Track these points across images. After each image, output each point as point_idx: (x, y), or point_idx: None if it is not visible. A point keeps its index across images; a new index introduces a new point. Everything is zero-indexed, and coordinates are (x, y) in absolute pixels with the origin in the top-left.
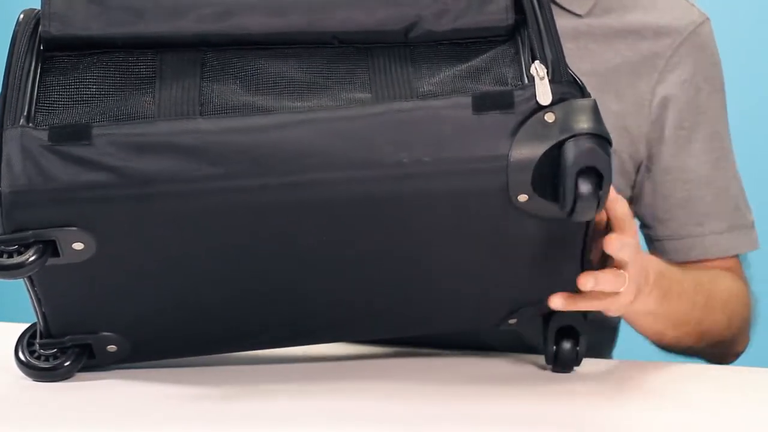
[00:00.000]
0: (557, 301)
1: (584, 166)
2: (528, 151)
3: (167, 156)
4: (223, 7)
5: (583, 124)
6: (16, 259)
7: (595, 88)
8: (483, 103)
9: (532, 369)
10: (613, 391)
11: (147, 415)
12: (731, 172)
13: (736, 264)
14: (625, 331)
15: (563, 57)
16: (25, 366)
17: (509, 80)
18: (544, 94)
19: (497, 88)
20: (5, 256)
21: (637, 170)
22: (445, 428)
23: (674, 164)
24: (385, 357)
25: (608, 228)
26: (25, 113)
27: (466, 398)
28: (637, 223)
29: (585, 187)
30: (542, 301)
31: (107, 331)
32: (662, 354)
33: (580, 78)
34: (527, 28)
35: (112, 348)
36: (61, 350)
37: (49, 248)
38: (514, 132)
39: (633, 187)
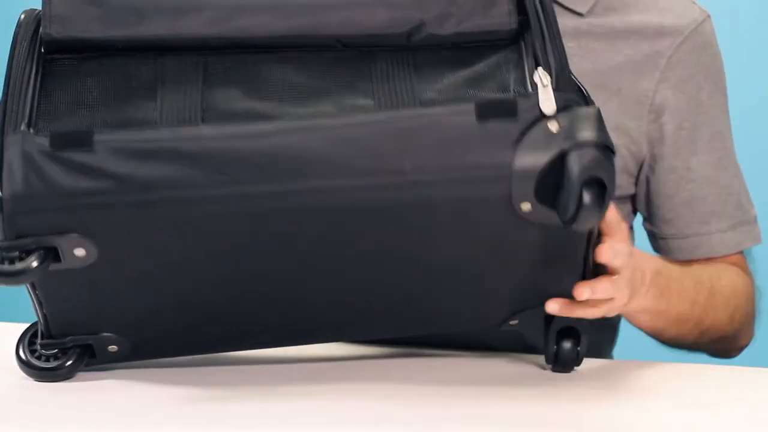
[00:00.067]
0: (553, 307)
1: (588, 177)
2: (531, 159)
3: (169, 163)
4: (224, 10)
5: (588, 133)
6: (18, 266)
7: (596, 86)
8: (486, 111)
9: (532, 369)
10: (613, 391)
11: (147, 415)
12: (734, 170)
13: (741, 259)
14: (625, 331)
15: (567, 63)
16: (26, 366)
17: (513, 87)
18: (547, 102)
19: (500, 96)
20: (6, 262)
21: (640, 168)
22: (444, 428)
23: (677, 164)
24: (384, 357)
25: (599, 233)
26: (26, 119)
27: (466, 398)
28: (637, 219)
29: (588, 197)
30: (544, 303)
31: (108, 332)
32: (663, 353)
33: (582, 77)
34: (530, 33)
35: (112, 348)
36: (62, 350)
37: (51, 254)
38: (518, 140)
39: (636, 185)
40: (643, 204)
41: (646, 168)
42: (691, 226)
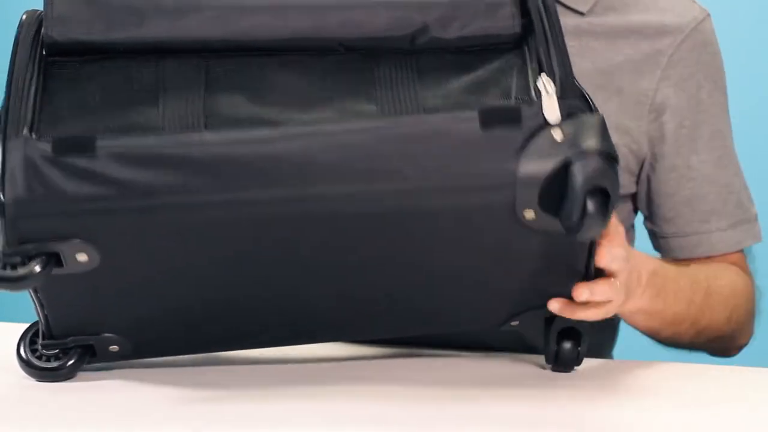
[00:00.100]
0: (555, 306)
1: (592, 186)
2: (535, 167)
3: (172, 169)
4: (225, 11)
5: (592, 142)
6: (20, 272)
7: (596, 86)
8: (490, 119)
9: (532, 369)
10: (613, 391)
11: (147, 415)
12: (734, 169)
13: (741, 258)
14: (625, 331)
15: (570, 68)
16: (27, 366)
17: (516, 93)
18: (551, 111)
19: (504, 103)
20: (8, 268)
21: (641, 167)
22: (444, 428)
23: (678, 162)
24: (384, 357)
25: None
26: (28, 123)
27: (465, 398)
28: (637, 218)
29: (592, 206)
30: (545, 306)
31: (109, 333)
32: (662, 353)
33: (582, 77)
34: (534, 37)
35: (114, 348)
36: (63, 351)
37: (53, 259)
38: (521, 148)
39: (637, 184)
40: (644, 203)
41: (646, 167)
42: (691, 225)
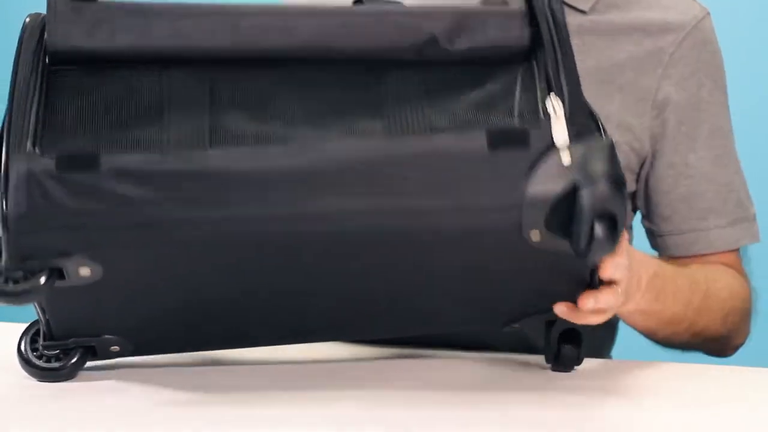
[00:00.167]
0: (562, 309)
1: (600, 211)
2: (542, 190)
3: (176, 185)
4: (230, 23)
5: (600, 168)
6: (22, 286)
7: (598, 83)
8: (498, 140)
9: (532, 369)
10: (613, 391)
11: (147, 416)
12: (733, 168)
13: (737, 260)
14: (624, 331)
15: (579, 84)
16: (28, 365)
17: (525, 112)
18: (560, 134)
19: (512, 125)
20: (11, 282)
21: (641, 165)
22: (444, 428)
23: (675, 160)
24: (384, 357)
25: None
26: (30, 137)
27: (465, 398)
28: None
29: (600, 230)
30: (547, 311)
31: (110, 335)
32: (662, 354)
33: (585, 74)
34: (543, 51)
35: (115, 348)
36: (64, 351)
37: (55, 273)
38: (529, 170)
39: (637, 181)
40: (643, 200)
41: (647, 165)
42: (688, 222)
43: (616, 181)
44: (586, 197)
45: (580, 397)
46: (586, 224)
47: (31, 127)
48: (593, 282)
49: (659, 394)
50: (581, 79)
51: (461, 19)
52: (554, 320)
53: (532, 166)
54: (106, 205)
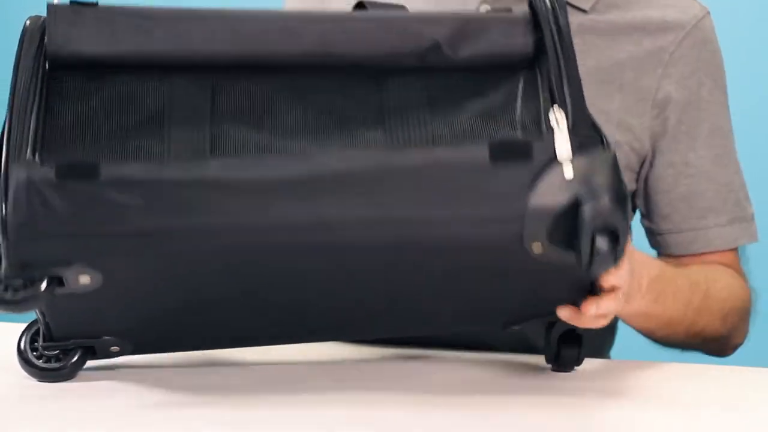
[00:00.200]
0: (565, 313)
1: (603, 226)
2: (544, 203)
3: (176, 195)
4: (231, 28)
5: (603, 182)
6: (21, 294)
7: (599, 83)
8: (500, 153)
9: (532, 369)
10: (612, 391)
11: (146, 416)
12: (733, 167)
13: (735, 258)
14: (624, 331)
15: (583, 98)
16: (28, 365)
17: (528, 123)
18: (563, 147)
19: (515, 138)
20: (10, 290)
21: (641, 165)
22: (444, 429)
23: (675, 159)
24: (384, 357)
25: None
26: (30, 145)
27: (465, 399)
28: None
29: (603, 244)
30: (547, 314)
31: (110, 336)
32: (662, 354)
33: (585, 74)
34: (546, 60)
35: (114, 349)
36: (64, 351)
37: (55, 281)
38: (531, 183)
39: (637, 181)
40: (642, 199)
41: (647, 164)
42: (687, 221)
43: (619, 195)
44: (588, 212)
45: (580, 398)
46: (587, 238)
47: (31, 135)
48: (594, 288)
49: (659, 395)
50: (581, 79)
51: (464, 25)
52: (554, 321)
53: (535, 178)
54: (105, 214)
